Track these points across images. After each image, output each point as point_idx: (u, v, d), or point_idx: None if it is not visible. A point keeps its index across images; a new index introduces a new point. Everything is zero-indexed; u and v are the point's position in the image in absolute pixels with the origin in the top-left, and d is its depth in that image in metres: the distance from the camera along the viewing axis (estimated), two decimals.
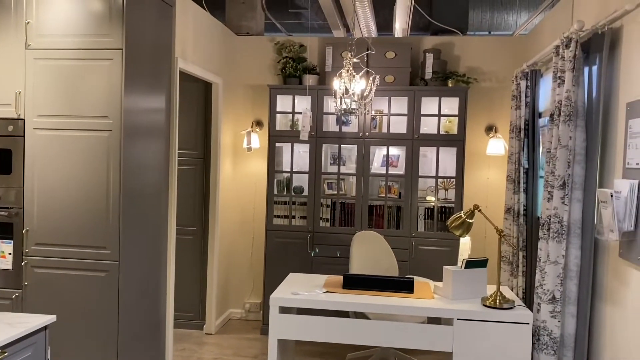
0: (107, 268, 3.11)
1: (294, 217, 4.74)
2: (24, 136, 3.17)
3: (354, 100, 3.40)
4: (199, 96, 4.75)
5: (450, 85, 4.59)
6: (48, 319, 1.93)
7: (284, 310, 3.10)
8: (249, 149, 4.91)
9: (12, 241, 3.19)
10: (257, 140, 5.00)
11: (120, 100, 3.08)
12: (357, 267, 3.91)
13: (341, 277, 3.40)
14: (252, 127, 5.04)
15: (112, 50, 3.07)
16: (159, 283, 3.66)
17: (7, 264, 3.19)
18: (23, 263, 3.17)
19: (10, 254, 3.18)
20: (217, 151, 4.69)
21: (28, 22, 3.13)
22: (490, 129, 4.79)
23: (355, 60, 3.40)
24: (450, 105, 4.55)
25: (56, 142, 3.14)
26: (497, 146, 4.63)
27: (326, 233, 4.61)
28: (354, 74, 3.38)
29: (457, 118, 4.47)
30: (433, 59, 4.60)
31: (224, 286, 5.01)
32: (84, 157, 3.12)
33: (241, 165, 5.15)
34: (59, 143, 3.14)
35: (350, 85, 3.35)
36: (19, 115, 3.16)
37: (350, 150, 4.78)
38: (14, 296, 3.17)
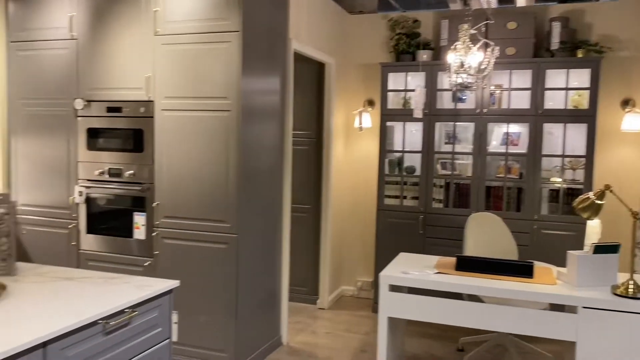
0: (227, 240, 3.30)
1: (405, 197, 4.67)
2: (153, 117, 3.43)
3: (470, 74, 3.24)
4: (311, 77, 4.82)
5: (580, 55, 4.20)
6: (172, 283, 2.09)
7: (395, 288, 3.08)
8: (361, 128, 4.90)
9: (144, 214, 3.49)
10: (369, 119, 4.97)
11: (238, 82, 3.21)
12: (471, 249, 3.76)
13: (454, 258, 3.29)
14: (363, 107, 5.02)
15: (230, 33, 3.21)
16: (275, 257, 3.80)
17: (140, 234, 3.50)
18: (154, 234, 3.46)
19: (143, 225, 3.49)
20: (329, 131, 4.74)
21: (156, 10, 3.37)
22: (626, 103, 4.32)
23: (473, 31, 3.22)
24: (580, 77, 4.17)
25: (181, 122, 3.37)
26: (635, 122, 4.17)
27: (439, 214, 4.48)
28: (470, 45, 3.21)
29: (587, 91, 4.09)
30: (560, 28, 4.23)
31: (337, 263, 5.10)
32: (206, 136, 3.31)
33: (353, 145, 5.16)
34: (184, 123, 3.36)
35: (466, 58, 3.19)
36: (149, 97, 3.43)
37: (466, 128, 4.58)
38: (146, 264, 3.48)
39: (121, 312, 1.83)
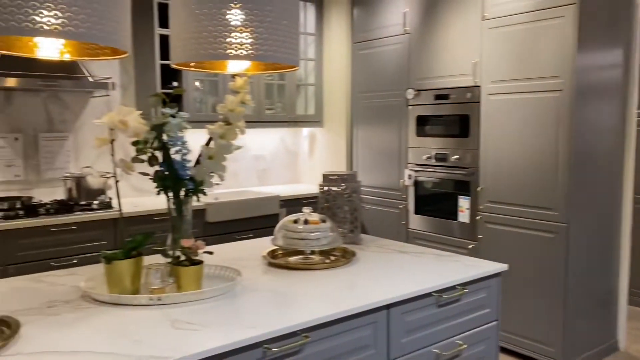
0: (555, 230, 3.10)
1: None
2: (479, 102, 3.45)
3: None
4: None
5: None
6: (500, 266, 2.07)
7: None
8: None
9: (469, 197, 3.56)
10: None
11: (573, 58, 2.96)
12: None
13: None
14: None
15: (564, 7, 2.97)
16: (611, 253, 3.40)
17: (464, 217, 3.59)
18: (477, 218, 3.50)
19: (467, 209, 3.57)
20: None
21: None
22: None
23: None
24: None
25: (507, 106, 3.29)
26: None
27: None
28: None
29: None
30: None
31: None
32: (533, 118, 3.17)
33: None
34: (509, 106, 3.28)
35: None
36: (476, 82, 3.46)
37: None
38: (470, 246, 3.55)
39: (452, 287, 1.92)
